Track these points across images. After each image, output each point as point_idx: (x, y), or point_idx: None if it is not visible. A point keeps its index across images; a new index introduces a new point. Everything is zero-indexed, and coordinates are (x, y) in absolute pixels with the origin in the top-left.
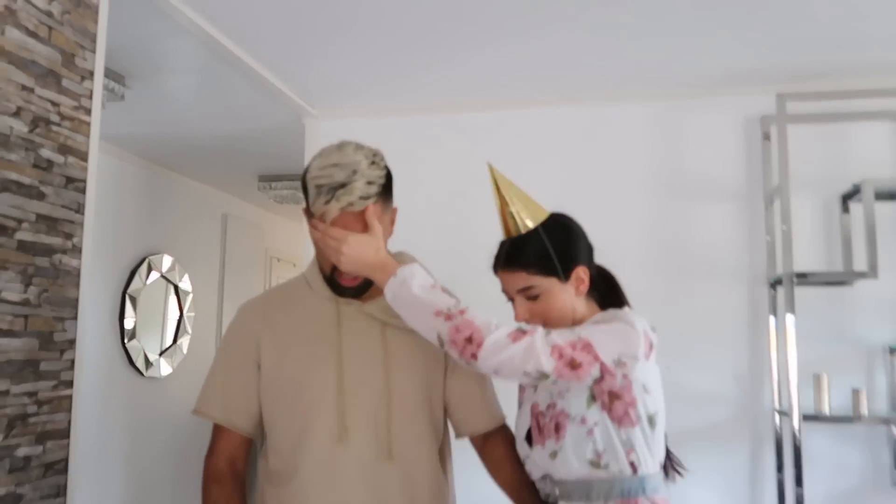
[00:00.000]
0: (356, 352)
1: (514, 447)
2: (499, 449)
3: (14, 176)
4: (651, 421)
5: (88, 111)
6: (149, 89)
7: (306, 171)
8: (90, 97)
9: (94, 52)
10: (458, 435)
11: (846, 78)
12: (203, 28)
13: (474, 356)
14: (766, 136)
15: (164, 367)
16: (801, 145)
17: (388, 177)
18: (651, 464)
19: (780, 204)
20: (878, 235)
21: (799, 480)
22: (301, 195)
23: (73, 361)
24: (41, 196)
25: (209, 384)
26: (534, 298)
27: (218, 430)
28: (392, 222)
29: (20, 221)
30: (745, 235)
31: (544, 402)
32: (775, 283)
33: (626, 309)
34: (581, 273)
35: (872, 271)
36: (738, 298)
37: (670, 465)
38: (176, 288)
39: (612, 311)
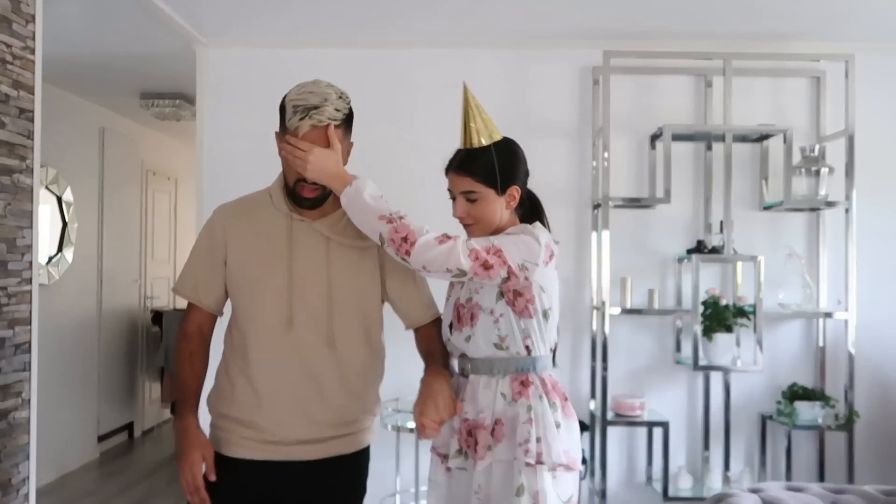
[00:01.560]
0: (304, 260)
1: (437, 331)
2: (425, 330)
3: None
4: (545, 315)
5: (33, 51)
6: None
7: (285, 97)
8: (33, 38)
9: None
10: (406, 327)
11: (658, 40)
12: None
13: (408, 253)
14: (596, 83)
15: (52, 276)
16: (622, 93)
17: (351, 113)
18: (542, 348)
19: (602, 141)
20: (674, 169)
21: (605, 365)
22: (182, 113)
23: (31, 263)
24: (2, 125)
25: (185, 269)
26: (472, 201)
27: (190, 304)
28: (348, 153)
29: None
30: (576, 166)
31: (464, 297)
32: (596, 206)
33: (536, 224)
34: (514, 191)
35: (667, 197)
36: (568, 218)
37: (553, 355)
38: (59, 199)
39: (523, 225)
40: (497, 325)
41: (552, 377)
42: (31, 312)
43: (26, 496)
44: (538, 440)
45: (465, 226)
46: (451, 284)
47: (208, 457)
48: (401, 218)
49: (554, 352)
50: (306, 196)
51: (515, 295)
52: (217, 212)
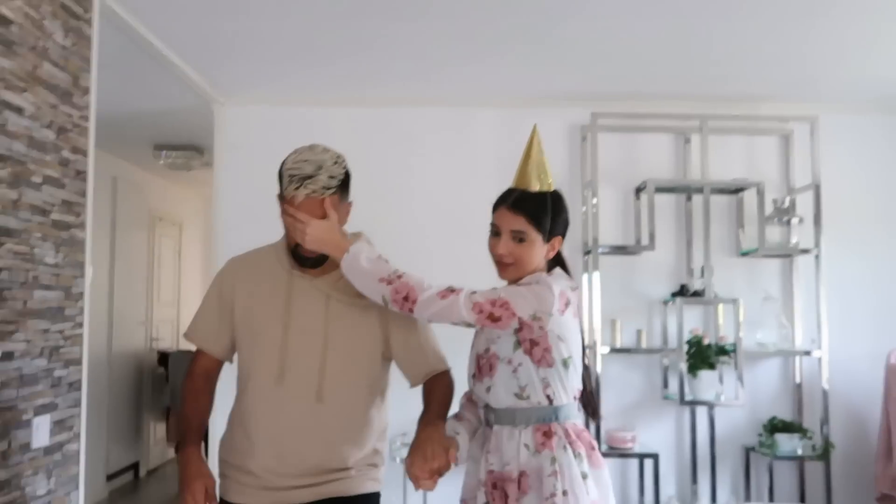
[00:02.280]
0: (302, 315)
1: (445, 383)
2: (428, 383)
3: (49, 172)
4: (565, 363)
5: (87, 118)
6: None
7: (283, 163)
8: (88, 108)
9: (89, 72)
10: (412, 385)
11: (641, 102)
12: (129, 23)
13: (411, 310)
14: (584, 140)
15: None
16: (608, 149)
17: (347, 176)
18: (564, 397)
19: (590, 192)
20: (657, 218)
21: (598, 401)
22: (193, 163)
23: (82, 308)
24: (63, 186)
25: (196, 317)
26: (519, 241)
27: (198, 350)
28: (347, 213)
29: (53, 205)
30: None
31: (482, 347)
32: (587, 252)
33: (554, 272)
34: (556, 243)
35: (651, 245)
36: None
37: (591, 408)
38: None
39: (538, 274)
40: (516, 374)
41: (576, 426)
42: (82, 354)
43: None
44: (564, 493)
45: (502, 264)
46: (476, 333)
47: (210, 487)
48: (399, 277)
49: (593, 403)
50: (307, 256)
51: (532, 344)
52: (229, 263)
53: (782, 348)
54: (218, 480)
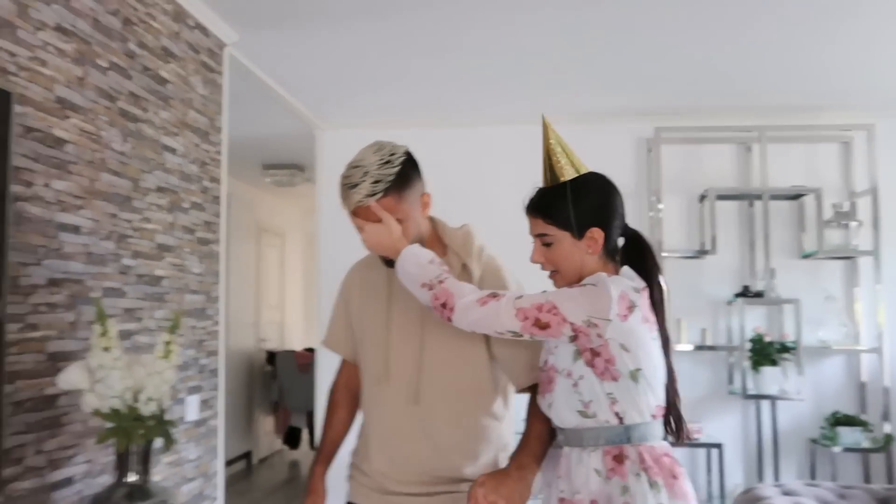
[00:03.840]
0: (401, 316)
1: None
2: (533, 395)
3: (194, 198)
4: (633, 377)
5: (220, 153)
6: None
7: None
8: (221, 144)
9: (221, 114)
10: (517, 390)
11: (701, 115)
12: (249, 69)
13: (449, 319)
14: (650, 151)
15: None
16: (672, 160)
17: (402, 173)
18: (637, 415)
19: (656, 200)
20: (720, 223)
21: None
22: (295, 180)
23: (219, 309)
24: (203, 209)
25: (329, 325)
26: (547, 245)
27: (342, 360)
28: (425, 205)
29: (197, 226)
30: (635, 223)
31: (542, 360)
32: None
33: (621, 271)
34: (595, 234)
35: (713, 249)
36: None
37: (678, 430)
38: None
39: (597, 275)
40: (577, 388)
41: (655, 449)
42: (219, 346)
43: (216, 484)
44: None
45: (550, 273)
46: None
47: None
48: (441, 282)
49: (679, 430)
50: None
51: (593, 354)
52: (351, 267)
53: (844, 346)
54: (347, 485)
